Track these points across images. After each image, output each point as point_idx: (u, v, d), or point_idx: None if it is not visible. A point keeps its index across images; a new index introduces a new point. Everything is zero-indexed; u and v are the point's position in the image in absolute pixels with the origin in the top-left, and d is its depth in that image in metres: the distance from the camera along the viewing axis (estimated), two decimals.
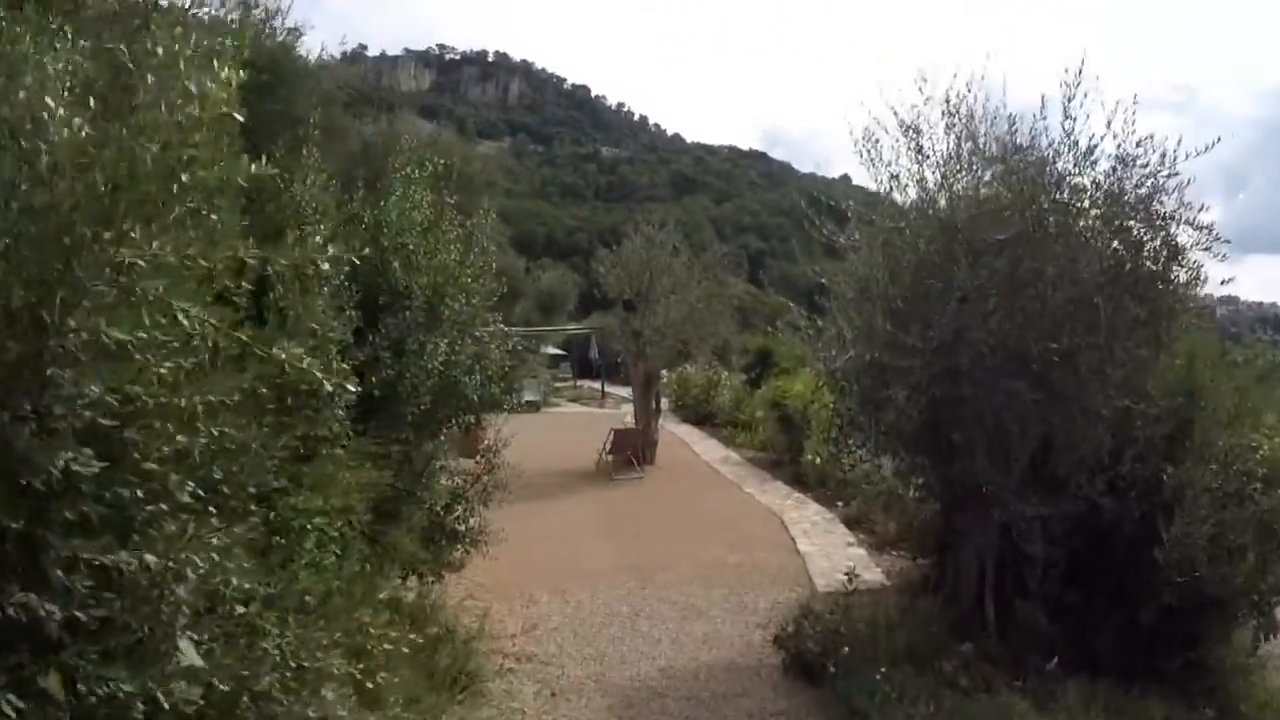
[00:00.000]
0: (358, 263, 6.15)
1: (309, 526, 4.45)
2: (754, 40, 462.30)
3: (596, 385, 37.46)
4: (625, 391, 39.17)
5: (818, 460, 16.48)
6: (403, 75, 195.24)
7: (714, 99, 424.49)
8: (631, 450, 17.63)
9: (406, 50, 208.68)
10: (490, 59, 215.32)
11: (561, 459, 19.43)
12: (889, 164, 7.96)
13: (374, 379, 6.06)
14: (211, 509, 2.97)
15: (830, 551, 12.27)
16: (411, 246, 6.80)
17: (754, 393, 24.73)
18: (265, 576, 3.89)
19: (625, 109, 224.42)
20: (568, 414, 30.38)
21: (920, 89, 7.73)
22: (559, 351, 47.36)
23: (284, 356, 2.48)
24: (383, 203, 6.85)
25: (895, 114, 7.82)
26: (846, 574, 9.13)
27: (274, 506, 4.40)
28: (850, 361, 7.29)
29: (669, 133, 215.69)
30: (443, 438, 7.41)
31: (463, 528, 8.06)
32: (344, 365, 4.17)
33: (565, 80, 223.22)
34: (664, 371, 20.12)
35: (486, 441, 9.16)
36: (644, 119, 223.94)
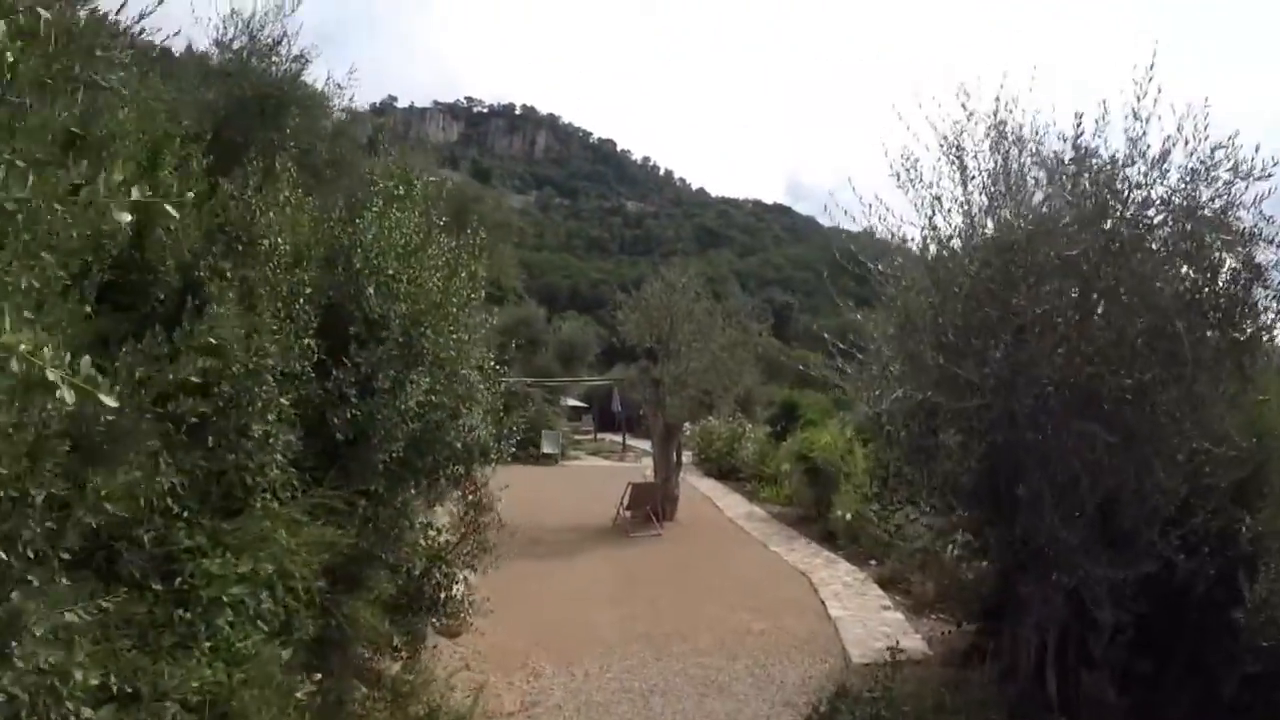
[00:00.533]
0: (316, 284, 5.46)
1: (224, 597, 3.59)
2: (779, 95, 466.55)
3: (617, 438, 36.49)
4: (647, 445, 38.20)
5: (848, 516, 15.52)
6: (431, 126, 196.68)
7: (738, 153, 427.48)
8: (650, 506, 16.69)
9: (435, 102, 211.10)
10: (517, 112, 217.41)
11: (577, 514, 18.51)
12: (930, 185, 7.17)
13: (336, 419, 5.24)
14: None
15: (864, 616, 11.28)
16: (391, 271, 5.99)
17: (779, 445, 23.79)
18: (145, 664, 3.05)
19: (650, 163, 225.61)
20: (586, 467, 29.45)
21: (963, 104, 6.96)
22: (580, 404, 46.51)
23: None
24: (358, 220, 6.06)
25: (935, 129, 7.05)
26: (889, 649, 8.10)
27: (179, 571, 3.57)
28: (897, 403, 6.34)
29: (694, 187, 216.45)
30: (414, 490, 6.38)
31: (444, 595, 6.98)
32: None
33: (591, 134, 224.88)
34: (686, 424, 19.31)
35: (477, 495, 8.05)
36: (669, 173, 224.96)
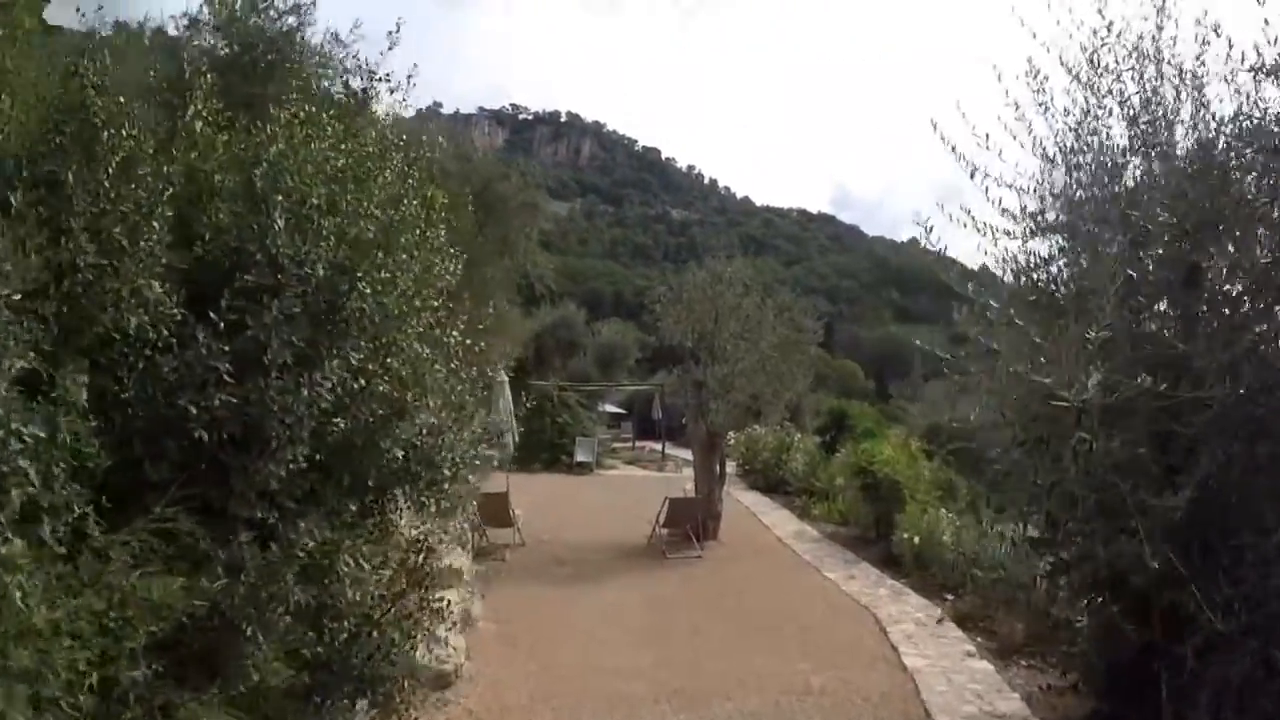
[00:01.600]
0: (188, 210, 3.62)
1: None
2: (824, 104, 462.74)
3: (657, 446, 34.51)
4: (688, 454, 36.05)
5: (916, 540, 13.45)
6: (476, 133, 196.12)
7: (783, 162, 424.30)
8: (690, 524, 14.72)
9: (480, 109, 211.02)
10: (562, 119, 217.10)
11: (609, 530, 16.59)
12: (1067, 113, 5.21)
13: (194, 409, 3.36)
14: None
15: (947, 667, 9.25)
16: (316, 201, 4.11)
17: (831, 457, 21.68)
18: None
19: (695, 171, 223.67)
20: (623, 477, 27.49)
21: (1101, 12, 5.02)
22: (619, 410, 44.63)
23: None
24: (269, 128, 4.19)
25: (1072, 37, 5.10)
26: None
27: None
28: (1097, 392, 4.11)
29: (738, 195, 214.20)
30: (334, 522, 4.38)
31: (387, 668, 4.87)
32: None
33: (636, 142, 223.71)
34: (730, 433, 17.34)
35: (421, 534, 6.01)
36: (714, 181, 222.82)
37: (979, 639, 10.34)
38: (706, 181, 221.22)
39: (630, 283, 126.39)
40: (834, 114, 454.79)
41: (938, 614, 11.31)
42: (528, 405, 27.97)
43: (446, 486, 5.17)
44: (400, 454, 4.33)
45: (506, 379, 17.34)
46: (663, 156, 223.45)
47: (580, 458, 27.12)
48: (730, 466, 23.16)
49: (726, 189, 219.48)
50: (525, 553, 14.56)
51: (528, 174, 14.24)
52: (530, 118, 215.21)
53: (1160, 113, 4.78)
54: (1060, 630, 9.82)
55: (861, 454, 16.43)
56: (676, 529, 14.93)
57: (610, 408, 41.58)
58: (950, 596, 11.88)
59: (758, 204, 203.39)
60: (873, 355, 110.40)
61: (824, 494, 19.48)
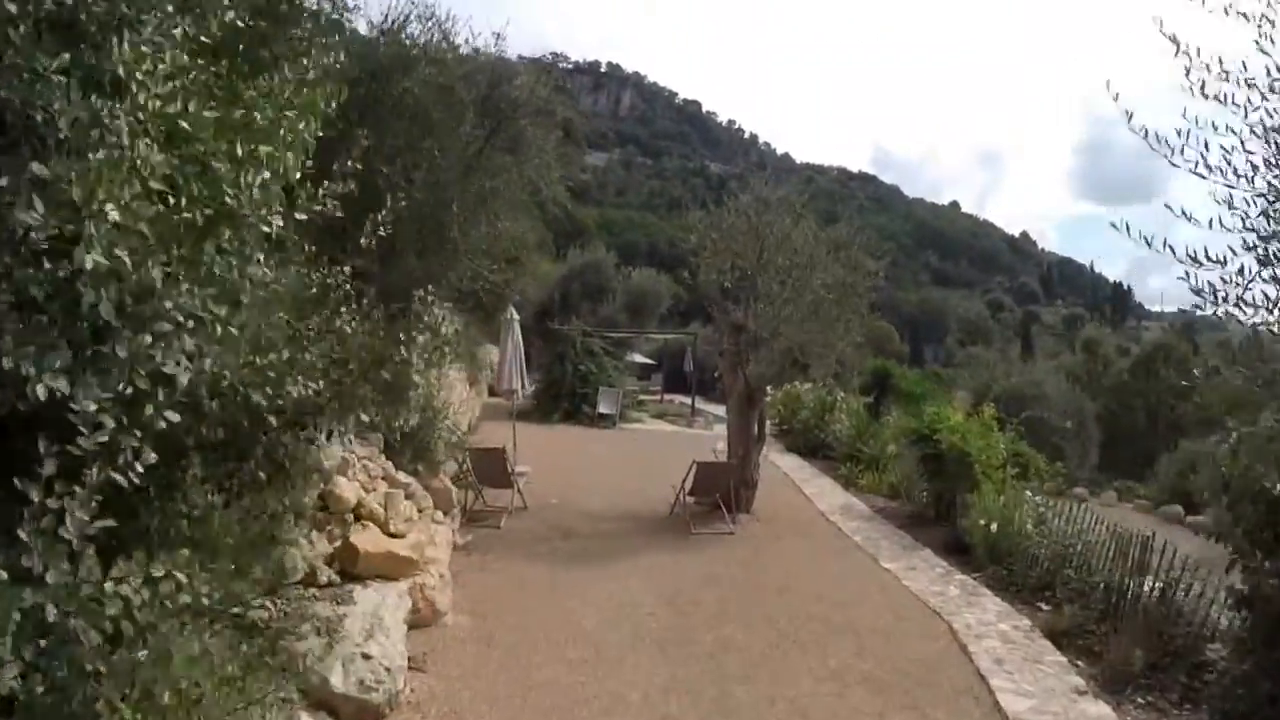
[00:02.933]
0: None
1: None
2: (867, 59, 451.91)
3: (687, 401, 32.07)
4: (720, 410, 33.47)
5: (993, 527, 11.04)
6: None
7: (825, 119, 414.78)
8: (721, 492, 12.34)
9: (520, 57, 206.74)
10: (603, 69, 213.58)
11: (627, 494, 14.27)
12: None
13: None
14: None
15: (1053, 705, 6.93)
16: None
17: (878, 421, 19.19)
18: None
19: (735, 126, 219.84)
20: (648, 432, 24.98)
21: None
22: (648, 361, 42.19)
23: None
24: None
25: None
26: None
27: None
28: None
29: (779, 151, 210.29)
30: None
31: None
32: None
33: (677, 94, 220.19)
34: (769, 388, 14.90)
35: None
36: (754, 136, 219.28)
37: (1079, 661, 8.04)
38: (746, 136, 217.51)
39: (665, 234, 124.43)
40: (877, 73, 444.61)
41: (1025, 624, 8.97)
42: (550, 352, 25.81)
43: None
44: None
45: (516, 317, 15.01)
46: (703, 110, 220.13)
47: (603, 409, 24.78)
48: (769, 427, 20.66)
49: (767, 144, 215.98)
50: (527, 518, 12.30)
51: (548, 74, 11.65)
52: (570, 67, 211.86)
53: None
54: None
55: (931, 418, 13.95)
56: (705, 498, 12.60)
57: (639, 358, 39.17)
58: (1043, 606, 9.50)
59: (798, 161, 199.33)
60: (908, 318, 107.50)
61: (872, 462, 17.06)
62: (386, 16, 10.88)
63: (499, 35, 11.55)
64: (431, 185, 10.26)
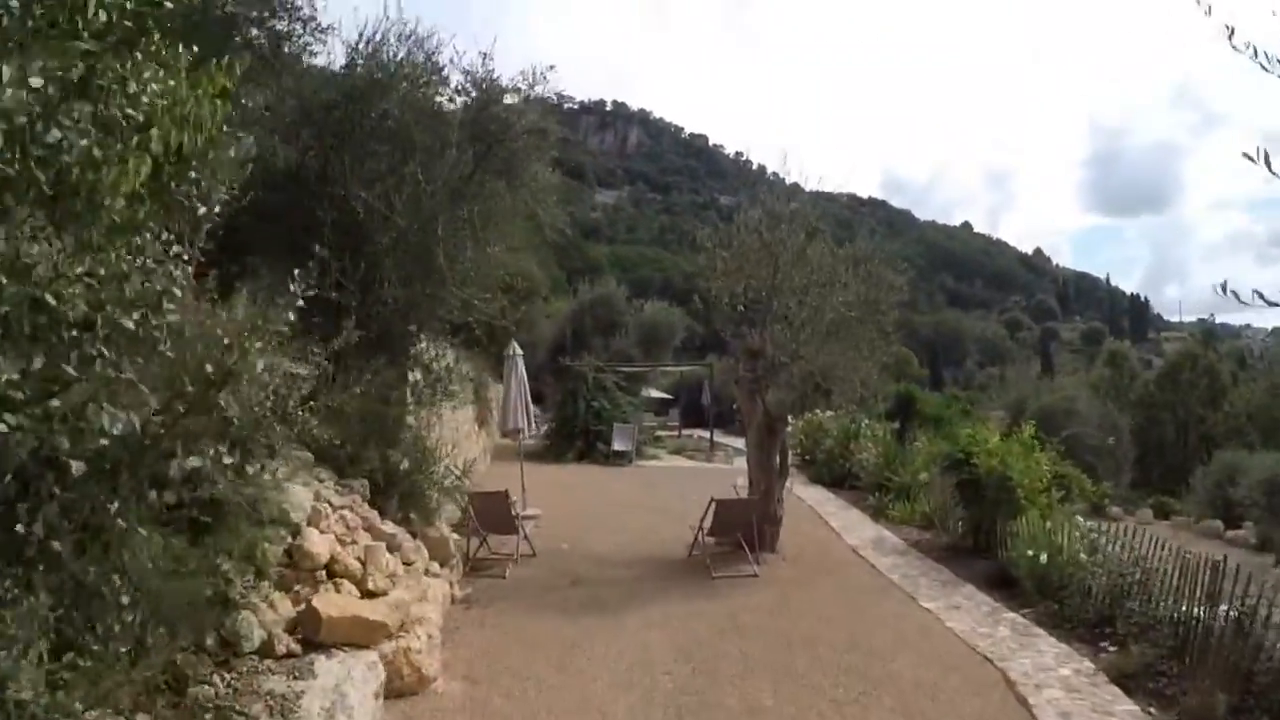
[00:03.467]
0: None
1: None
2: (871, 85, 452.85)
3: (705, 434, 31.08)
4: (740, 443, 32.30)
5: (1041, 558, 10.07)
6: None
7: (832, 146, 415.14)
8: (743, 531, 11.39)
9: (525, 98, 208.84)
10: (609, 108, 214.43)
11: (644, 536, 13.36)
12: None
13: None
14: None
15: None
16: None
17: (906, 448, 18.24)
18: None
19: (743, 158, 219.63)
20: (665, 469, 23.95)
21: None
22: (665, 395, 41.20)
23: None
24: None
25: None
26: None
27: None
28: None
29: (787, 181, 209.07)
30: None
31: None
32: None
33: (683, 129, 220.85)
34: (790, 417, 13.94)
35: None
36: (762, 167, 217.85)
37: (1152, 708, 7.08)
38: (755, 167, 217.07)
39: (679, 269, 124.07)
40: (882, 98, 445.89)
41: (1089, 667, 7.97)
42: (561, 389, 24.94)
43: None
44: None
45: (519, 353, 14.19)
46: (710, 143, 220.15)
47: (618, 446, 23.81)
48: (791, 458, 19.19)
49: (775, 175, 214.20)
50: (535, 565, 11.38)
51: (537, 94, 10.86)
52: (576, 106, 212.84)
53: None
54: None
55: (965, 439, 12.99)
56: (725, 538, 11.65)
57: (655, 393, 38.22)
58: (1106, 646, 8.51)
59: (807, 190, 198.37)
60: (925, 342, 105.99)
61: (902, 491, 16.07)
62: (362, 36, 10.14)
63: (485, 55, 10.78)
64: (415, 211, 9.45)
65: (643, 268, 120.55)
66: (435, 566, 9.48)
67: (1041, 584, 9.96)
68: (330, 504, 7.31)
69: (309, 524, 6.64)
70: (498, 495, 11.13)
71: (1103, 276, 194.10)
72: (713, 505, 11.08)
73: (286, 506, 6.23)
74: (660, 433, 31.90)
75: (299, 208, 9.14)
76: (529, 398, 14.23)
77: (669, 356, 33.93)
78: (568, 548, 12.37)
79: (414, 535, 9.17)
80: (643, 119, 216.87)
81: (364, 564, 6.95)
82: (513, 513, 11.21)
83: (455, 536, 10.94)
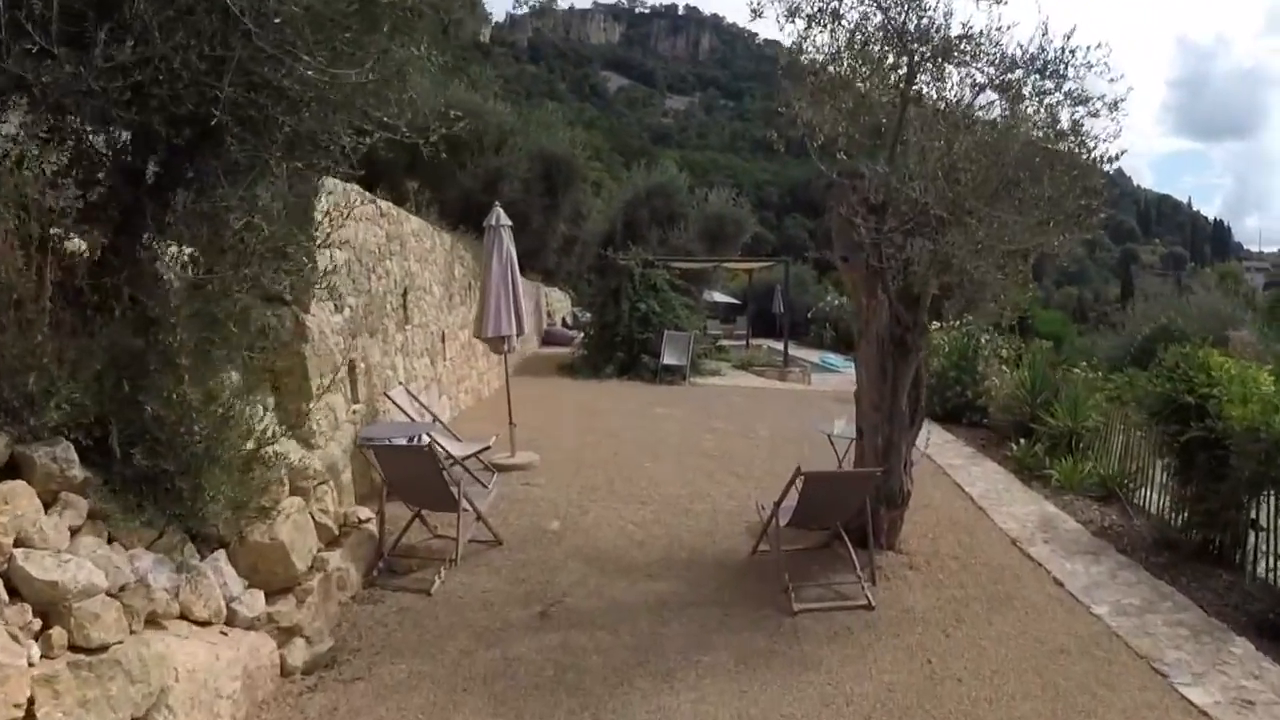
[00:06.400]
0: None
1: None
2: None
3: (777, 346, 25.91)
4: (815, 355, 27.28)
5: None
6: (592, 29, 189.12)
7: None
8: (844, 521, 6.41)
9: (596, 3, 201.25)
10: (680, 12, 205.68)
11: (683, 509, 8.41)
12: None
13: None
14: None
15: None
16: None
17: (1069, 376, 12.62)
18: None
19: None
20: (728, 389, 18.43)
21: None
22: (732, 300, 35.92)
23: None
24: None
25: None
26: None
27: None
28: None
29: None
30: None
31: None
32: None
33: (757, 35, 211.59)
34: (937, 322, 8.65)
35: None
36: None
37: None
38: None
39: (751, 176, 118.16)
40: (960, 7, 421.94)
41: None
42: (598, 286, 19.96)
43: None
44: None
45: (505, 223, 9.28)
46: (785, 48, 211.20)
47: (668, 360, 18.70)
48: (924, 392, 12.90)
49: None
50: (492, 566, 6.65)
51: None
52: (647, 11, 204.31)
53: None
54: None
55: (1180, 371, 7.83)
56: (813, 526, 6.73)
57: (719, 296, 32.99)
58: None
59: None
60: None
61: (1062, 440, 10.81)
62: None
63: None
64: None
65: (714, 173, 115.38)
66: (256, 603, 4.82)
67: None
68: None
69: None
70: (416, 453, 6.27)
71: (1184, 200, 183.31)
72: (799, 482, 6.04)
73: None
74: (725, 342, 26.81)
75: None
76: (519, 290, 9.26)
77: (737, 252, 28.48)
78: (559, 528, 7.56)
79: (207, 551, 4.53)
80: (715, 24, 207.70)
81: None
82: (446, 478, 6.34)
83: (367, 516, 6.30)
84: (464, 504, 6.46)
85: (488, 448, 8.82)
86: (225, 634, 4.57)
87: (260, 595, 5.00)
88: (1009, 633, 5.79)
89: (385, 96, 4.89)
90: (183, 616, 4.35)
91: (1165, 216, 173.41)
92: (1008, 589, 6.60)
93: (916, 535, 7.53)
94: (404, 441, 7.57)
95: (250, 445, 4.89)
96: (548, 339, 25.07)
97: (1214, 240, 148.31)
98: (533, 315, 23.78)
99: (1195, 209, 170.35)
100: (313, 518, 5.88)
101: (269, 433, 5.03)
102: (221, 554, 4.87)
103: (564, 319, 29.80)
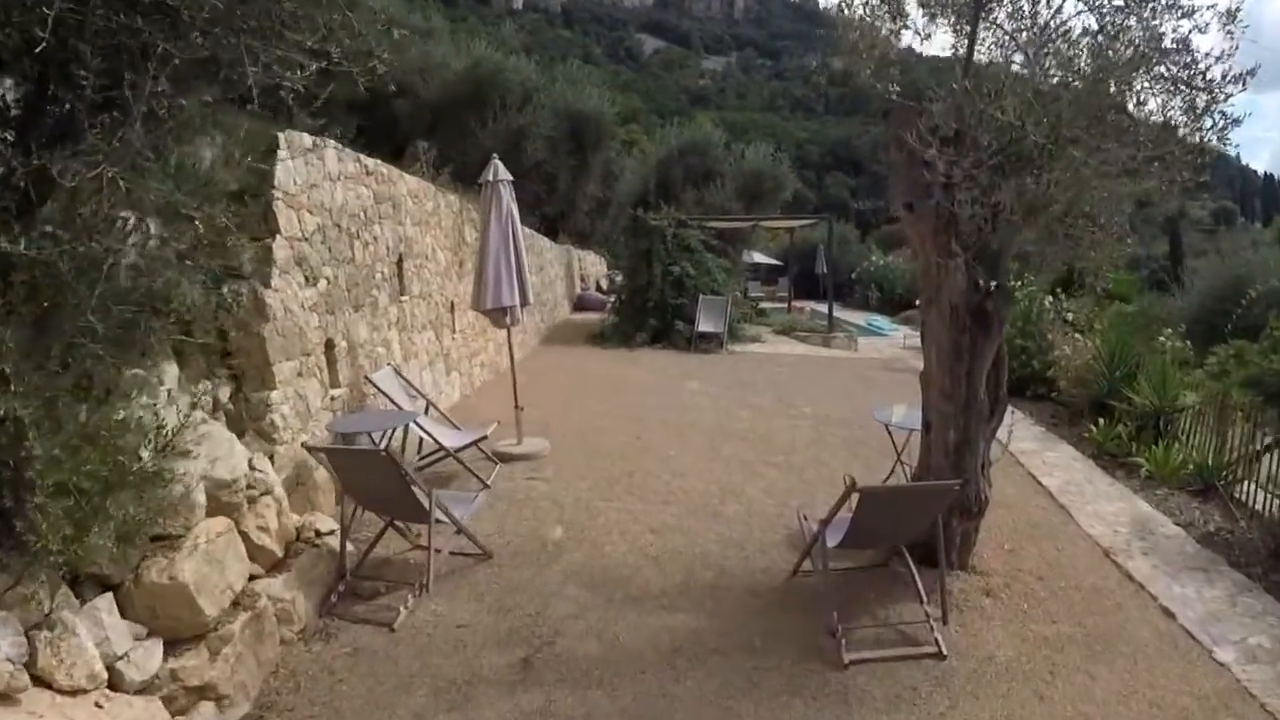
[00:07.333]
0: None
1: None
2: None
3: (821, 309, 24.41)
4: (860, 318, 25.61)
5: None
6: None
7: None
8: (909, 539, 5.11)
9: None
10: None
11: (712, 514, 7.07)
12: None
13: None
14: None
15: None
16: None
17: (1151, 347, 11.06)
18: None
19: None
20: (769, 357, 17.02)
21: None
22: (773, 261, 34.24)
23: None
24: None
25: None
26: None
27: None
28: None
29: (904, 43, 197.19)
30: None
31: None
32: None
33: None
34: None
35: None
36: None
37: None
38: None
39: (790, 135, 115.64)
40: None
41: None
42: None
43: None
44: None
45: (506, 177, 8.00)
46: (821, 5, 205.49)
47: (704, 327, 17.33)
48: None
49: None
50: (473, 591, 5.44)
51: None
52: None
53: None
54: None
55: None
56: (871, 548, 5.43)
57: (759, 257, 31.35)
58: None
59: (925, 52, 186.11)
60: None
61: (1149, 421, 9.32)
62: None
63: None
64: None
65: (752, 133, 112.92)
66: (149, 661, 3.70)
67: None
68: None
69: None
70: (375, 459, 5.01)
71: (1233, 153, 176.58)
72: (857, 499, 4.69)
73: None
74: (766, 305, 25.31)
75: None
76: (521, 254, 7.96)
77: (776, 210, 26.85)
78: (561, 537, 6.31)
79: (94, 595, 3.39)
80: None
81: None
82: (412, 486, 5.09)
83: (329, 528, 5.17)
84: (436, 514, 5.23)
85: (485, 436, 7.63)
86: (101, 706, 3.44)
87: (158, 649, 3.86)
88: (1117, 691, 4.45)
89: (310, 17, 3.62)
90: (44, 685, 3.24)
91: (1213, 170, 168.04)
92: (1108, 624, 5.24)
93: (992, 546, 6.19)
94: (379, 435, 6.37)
95: (146, 455, 3.71)
96: (580, 304, 23.77)
97: (1264, 195, 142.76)
98: (563, 280, 22.50)
99: (1244, 162, 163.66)
100: (247, 539, 4.72)
101: (169, 440, 3.85)
102: (105, 600, 3.74)
103: (598, 283, 28.49)
